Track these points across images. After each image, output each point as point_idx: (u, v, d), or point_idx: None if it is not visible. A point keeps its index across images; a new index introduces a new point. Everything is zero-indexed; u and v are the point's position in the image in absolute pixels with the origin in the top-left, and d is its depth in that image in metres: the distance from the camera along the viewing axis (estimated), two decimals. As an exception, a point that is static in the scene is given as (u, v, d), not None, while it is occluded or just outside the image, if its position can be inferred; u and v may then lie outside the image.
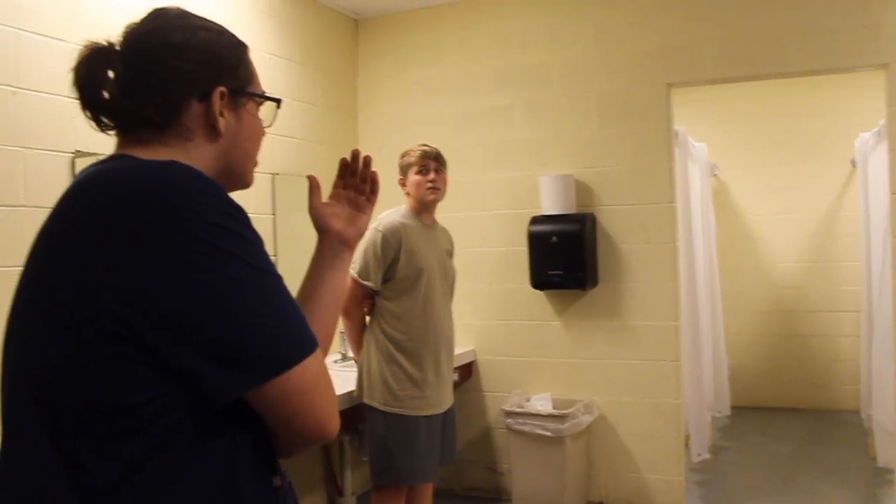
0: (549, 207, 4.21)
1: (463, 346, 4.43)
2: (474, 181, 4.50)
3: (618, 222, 4.22)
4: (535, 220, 4.25)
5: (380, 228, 3.13)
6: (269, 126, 1.27)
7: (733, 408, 5.84)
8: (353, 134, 4.75)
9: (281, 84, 4.14)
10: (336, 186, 1.42)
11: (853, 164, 5.82)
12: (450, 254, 3.41)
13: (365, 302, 3.20)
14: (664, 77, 4.14)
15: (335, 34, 4.66)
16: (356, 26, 4.83)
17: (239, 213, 1.04)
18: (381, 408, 3.08)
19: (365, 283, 3.12)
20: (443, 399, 3.22)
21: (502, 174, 4.47)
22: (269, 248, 3.73)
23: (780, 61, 3.97)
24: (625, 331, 4.20)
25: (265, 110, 1.25)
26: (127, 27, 1.15)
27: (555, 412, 4.05)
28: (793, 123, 6.44)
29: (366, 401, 3.13)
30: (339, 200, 1.40)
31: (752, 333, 6.57)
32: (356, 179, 1.41)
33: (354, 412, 3.26)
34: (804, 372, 6.50)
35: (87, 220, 1.01)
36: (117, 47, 1.13)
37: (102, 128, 1.14)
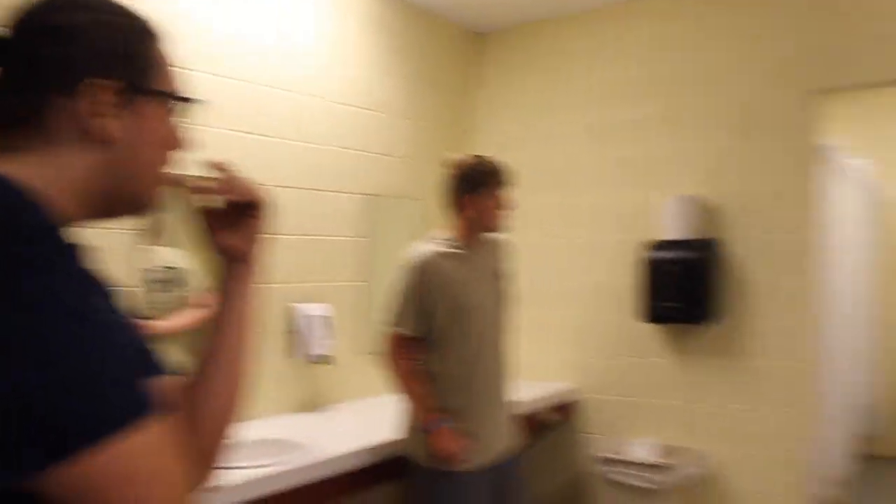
0: (671, 232, 3.79)
1: (563, 383, 4.11)
2: (588, 202, 4.15)
3: (745, 250, 3.73)
4: (654, 246, 3.84)
5: (411, 264, 2.72)
6: (185, 134, 1.01)
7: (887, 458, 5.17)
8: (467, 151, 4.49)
9: (391, 100, 3.98)
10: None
11: None
12: (498, 273, 2.89)
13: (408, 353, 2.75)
14: (804, 83, 3.60)
15: (453, 48, 4.42)
16: (478, 39, 4.55)
17: (52, 239, 0.79)
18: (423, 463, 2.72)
19: (398, 329, 2.72)
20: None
21: (621, 194, 4.06)
22: (360, 273, 3.65)
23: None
24: (745, 372, 3.73)
25: (184, 112, 1.00)
26: (18, 8, 0.92)
27: (658, 461, 3.66)
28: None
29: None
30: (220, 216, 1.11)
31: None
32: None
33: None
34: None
35: None
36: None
37: None
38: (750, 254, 3.73)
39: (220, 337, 1.06)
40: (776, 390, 3.67)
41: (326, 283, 3.56)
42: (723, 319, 3.78)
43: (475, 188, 2.72)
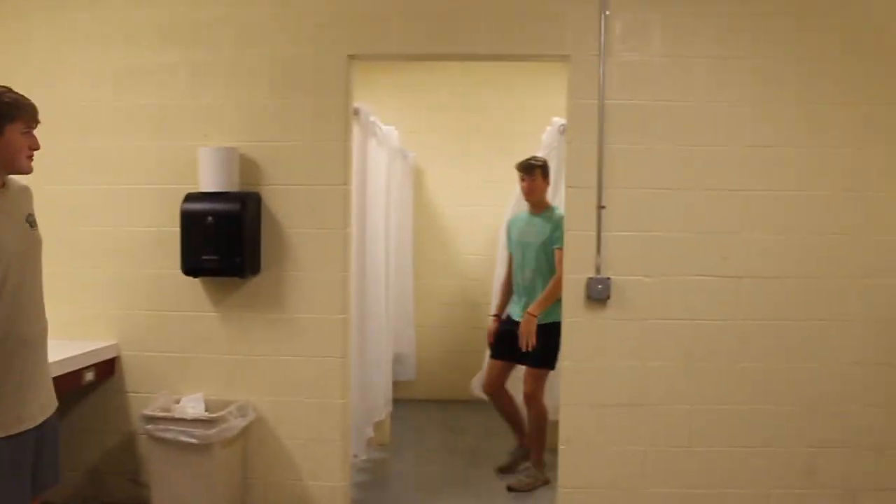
0: (208, 184, 3.69)
1: (102, 341, 3.82)
2: (126, 149, 3.85)
3: (286, 204, 3.79)
4: (190, 198, 3.71)
5: None
6: None
7: (419, 401, 5.71)
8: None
9: None
10: None
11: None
12: (32, 221, 2.58)
13: None
14: (346, 48, 3.77)
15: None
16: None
17: None
18: None
19: None
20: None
21: (158, 143, 3.85)
22: None
23: (469, 43, 3.76)
24: (288, 324, 3.81)
25: None
26: None
27: (203, 416, 3.57)
28: (489, 114, 6.44)
29: None
30: None
31: (439, 326, 6.50)
32: None
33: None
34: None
35: None
36: None
37: None
38: (289, 208, 3.81)
39: None
40: (318, 341, 3.82)
41: None
42: (263, 273, 3.81)
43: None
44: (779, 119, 3.71)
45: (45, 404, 2.56)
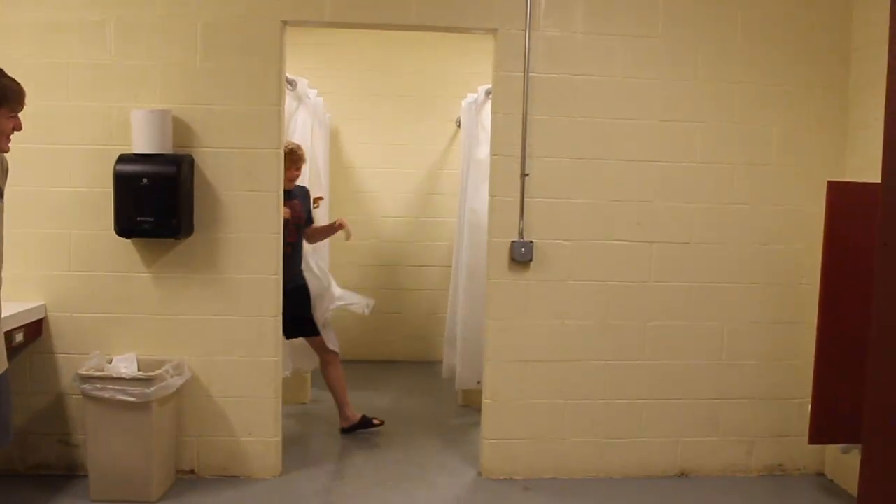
0: (142, 146, 3.70)
1: (30, 302, 3.78)
2: (54, 108, 3.80)
3: (219, 166, 3.84)
4: (123, 160, 3.72)
5: None
6: None
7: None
8: None
9: None
10: None
11: (458, 124, 6.04)
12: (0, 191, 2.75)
13: None
14: (279, 13, 3.84)
15: None
16: None
17: None
18: None
19: None
20: None
21: (89, 103, 3.82)
22: None
23: (399, 13, 3.89)
24: (221, 284, 3.88)
25: None
26: None
27: (140, 375, 3.60)
28: (407, 79, 6.59)
29: None
30: None
31: (356, 287, 6.60)
32: None
33: None
34: (405, 326, 6.77)
35: None
36: None
37: None
38: (221, 171, 3.87)
39: None
40: (250, 301, 3.89)
41: None
42: (196, 234, 3.87)
43: None
44: (689, 96, 4.00)
45: None
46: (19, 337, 3.65)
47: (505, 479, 4.04)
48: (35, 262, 3.83)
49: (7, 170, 2.80)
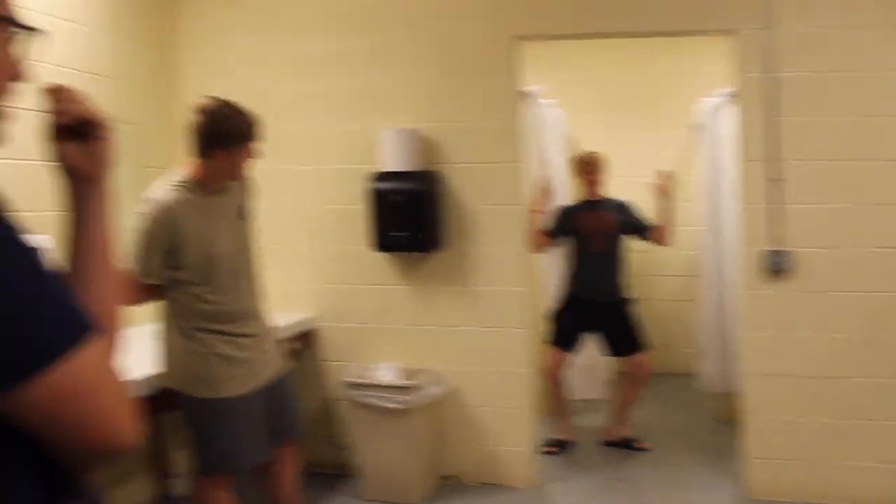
0: (392, 164, 3.91)
1: (301, 313, 4.10)
2: (310, 132, 4.12)
3: (463, 182, 3.98)
4: (378, 177, 3.94)
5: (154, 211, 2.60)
6: (26, 62, 0.97)
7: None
8: (173, 76, 4.17)
9: (91, 7, 3.61)
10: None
11: (692, 128, 5.85)
12: (242, 213, 2.87)
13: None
14: (512, 29, 3.91)
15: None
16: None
17: None
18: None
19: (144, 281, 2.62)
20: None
21: (340, 126, 4.10)
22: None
23: (633, 19, 3.83)
24: (471, 297, 4.00)
25: (22, 42, 0.96)
26: None
27: (402, 383, 3.80)
28: (638, 86, 6.44)
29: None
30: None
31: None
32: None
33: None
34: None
35: None
36: None
37: None
38: (466, 186, 3.99)
39: (82, 261, 1.06)
40: (498, 313, 3.98)
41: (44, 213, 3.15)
42: (447, 248, 4.01)
43: (228, 142, 2.64)
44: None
45: (270, 368, 2.89)
46: (297, 346, 3.97)
47: (774, 500, 3.80)
48: (301, 276, 4.14)
49: (251, 192, 2.92)
